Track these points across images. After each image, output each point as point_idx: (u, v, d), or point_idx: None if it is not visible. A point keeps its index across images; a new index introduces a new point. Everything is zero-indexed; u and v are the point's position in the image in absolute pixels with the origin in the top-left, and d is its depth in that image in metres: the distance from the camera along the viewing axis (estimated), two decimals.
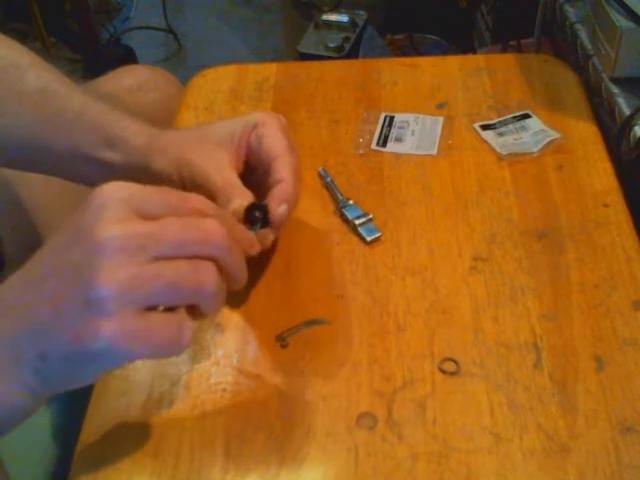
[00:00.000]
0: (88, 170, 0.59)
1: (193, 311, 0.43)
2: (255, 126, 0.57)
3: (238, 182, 0.55)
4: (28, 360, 0.41)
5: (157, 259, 0.40)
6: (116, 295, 0.38)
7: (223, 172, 0.55)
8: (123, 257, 0.39)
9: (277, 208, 0.55)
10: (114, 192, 0.41)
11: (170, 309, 0.42)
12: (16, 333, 0.41)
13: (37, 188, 0.75)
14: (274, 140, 0.57)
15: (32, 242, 0.72)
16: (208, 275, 0.42)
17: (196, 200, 0.44)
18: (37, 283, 0.41)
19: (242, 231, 0.50)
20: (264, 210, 0.54)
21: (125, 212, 0.40)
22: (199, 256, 0.42)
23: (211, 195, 0.53)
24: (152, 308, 0.41)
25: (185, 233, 0.41)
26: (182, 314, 0.42)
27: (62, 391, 0.43)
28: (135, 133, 0.58)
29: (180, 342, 0.41)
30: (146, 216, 0.41)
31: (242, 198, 0.54)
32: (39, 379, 0.41)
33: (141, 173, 0.56)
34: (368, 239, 0.62)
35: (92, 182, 0.59)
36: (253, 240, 0.51)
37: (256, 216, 0.54)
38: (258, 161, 0.57)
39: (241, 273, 0.46)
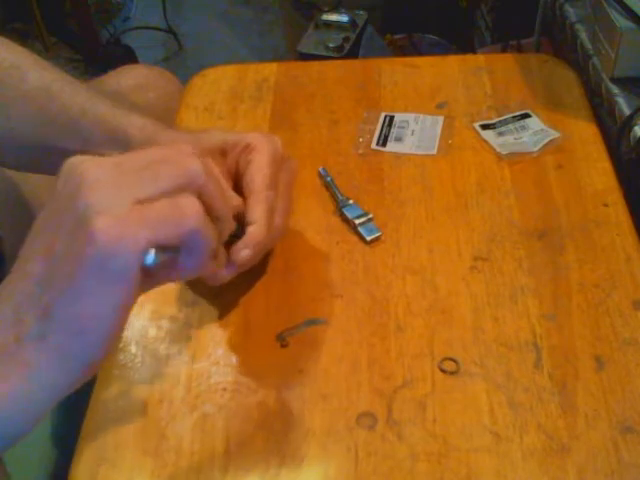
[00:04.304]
0: None
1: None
2: (247, 147, 0.56)
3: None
4: (32, 330, 0.37)
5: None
6: (103, 199, 0.36)
7: None
8: (104, 171, 0.38)
9: (239, 252, 0.53)
10: (94, 162, 0.39)
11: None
12: (14, 302, 0.38)
13: (39, 187, 0.75)
14: (257, 172, 0.55)
15: None
16: (193, 164, 0.40)
17: (180, 147, 0.42)
18: (29, 243, 0.39)
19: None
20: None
21: (106, 160, 0.39)
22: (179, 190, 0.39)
23: None
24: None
25: (162, 168, 0.39)
26: (180, 195, 0.39)
27: (77, 365, 0.38)
28: (140, 128, 0.58)
29: (184, 215, 0.38)
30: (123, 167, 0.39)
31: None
32: (45, 348, 0.37)
33: None
34: (368, 239, 0.62)
35: None
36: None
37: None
38: (241, 186, 0.56)
39: (225, 208, 0.43)
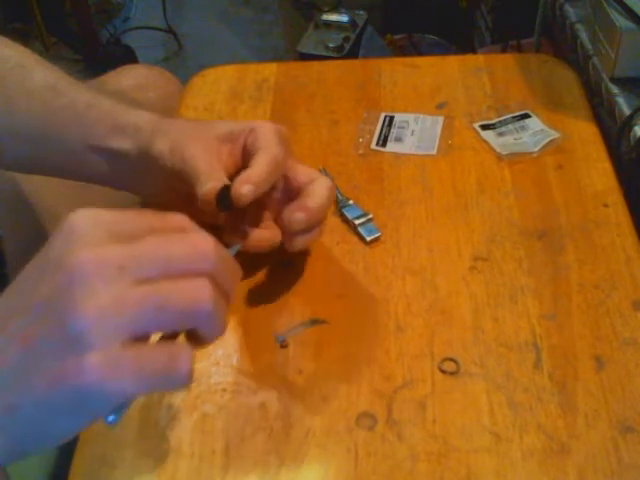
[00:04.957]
0: (98, 161, 0.59)
1: (194, 338, 0.38)
2: (252, 130, 0.57)
3: (221, 171, 0.54)
4: None
5: (140, 282, 0.34)
6: (97, 325, 0.33)
7: (210, 161, 0.54)
8: (100, 282, 0.34)
9: (240, 187, 0.51)
10: (85, 216, 0.36)
11: (168, 338, 0.37)
12: None
13: (40, 187, 0.75)
14: (264, 136, 0.55)
15: (33, 241, 0.72)
16: (202, 292, 0.36)
17: (178, 219, 0.38)
18: (2, 324, 0.35)
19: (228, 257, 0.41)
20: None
21: (99, 235, 0.35)
22: (189, 273, 0.36)
23: (192, 183, 0.53)
24: (143, 339, 0.35)
25: (169, 248, 0.36)
26: (177, 341, 0.37)
27: (29, 455, 0.36)
28: (147, 121, 0.58)
29: (177, 372, 0.36)
30: (122, 238, 0.35)
31: (218, 182, 0.53)
32: (2, 438, 0.35)
33: (147, 160, 0.56)
34: (368, 239, 0.62)
35: (101, 177, 0.60)
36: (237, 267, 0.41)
37: (228, 201, 0.52)
38: (248, 159, 0.56)
39: (235, 288, 0.40)
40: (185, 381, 0.36)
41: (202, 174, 0.53)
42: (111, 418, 0.37)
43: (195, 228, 0.38)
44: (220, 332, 0.38)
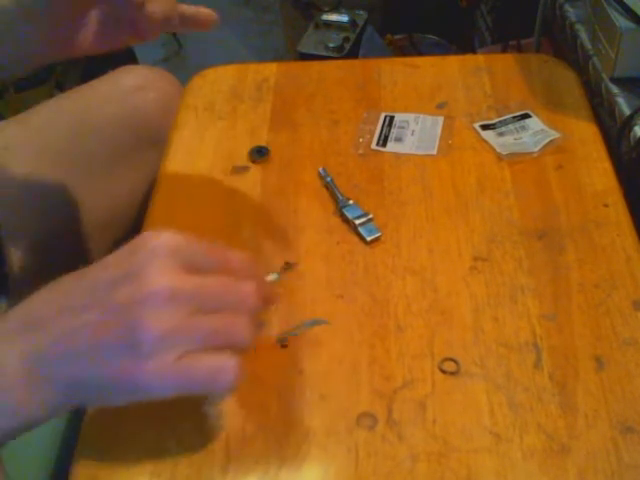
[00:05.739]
0: None
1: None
2: None
3: None
4: (59, 381, 0.42)
5: (200, 312, 0.42)
6: (158, 341, 0.41)
7: None
8: (170, 307, 0.41)
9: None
10: (165, 241, 0.43)
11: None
12: (51, 353, 0.42)
13: (41, 186, 0.75)
14: None
15: (33, 241, 0.72)
16: (243, 328, 0.44)
17: (237, 260, 0.46)
18: (79, 311, 0.42)
19: (269, 289, 0.50)
20: None
21: (174, 264, 0.43)
22: (237, 310, 0.44)
23: None
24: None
25: (226, 293, 0.44)
26: (226, 353, 0.43)
27: (76, 407, 0.45)
28: None
29: (220, 382, 0.43)
30: (191, 269, 0.43)
31: None
32: (66, 399, 0.43)
33: None
34: (368, 239, 0.62)
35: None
36: (276, 295, 0.52)
37: None
38: None
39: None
40: (226, 389, 0.44)
41: None
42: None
43: (250, 269, 0.47)
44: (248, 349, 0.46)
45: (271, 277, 0.55)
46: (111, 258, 0.44)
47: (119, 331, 0.41)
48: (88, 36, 0.59)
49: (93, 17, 0.58)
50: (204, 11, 0.59)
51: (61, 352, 0.42)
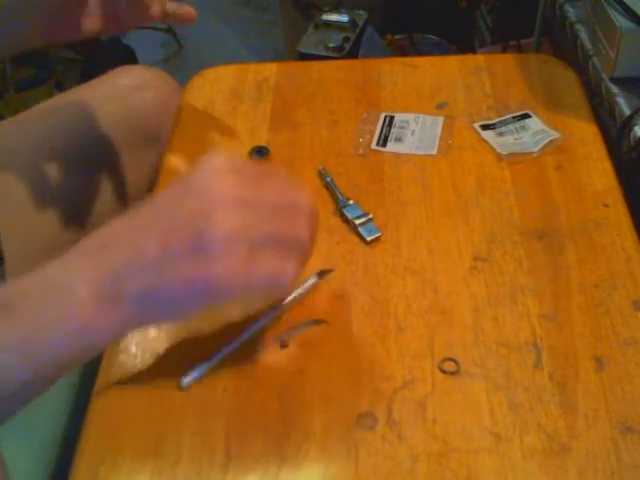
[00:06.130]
0: None
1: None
2: None
3: None
4: (130, 293, 0.44)
5: (259, 216, 0.46)
6: (225, 242, 0.44)
7: None
8: (233, 211, 0.45)
9: None
10: (223, 158, 0.47)
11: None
12: (122, 270, 0.44)
13: (38, 183, 0.75)
14: None
15: (31, 238, 0.72)
16: (301, 231, 0.48)
17: (284, 175, 0.50)
18: (147, 226, 0.46)
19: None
20: None
21: (234, 176, 0.46)
22: (293, 213, 0.48)
23: None
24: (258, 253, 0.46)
25: (285, 199, 0.48)
26: (284, 255, 0.47)
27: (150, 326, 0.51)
28: None
29: (280, 282, 0.47)
30: (250, 181, 0.47)
31: None
32: (137, 312, 0.45)
33: None
34: (368, 239, 0.62)
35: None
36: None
37: None
38: None
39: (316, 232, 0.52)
40: (284, 289, 0.48)
41: None
42: (186, 381, 0.52)
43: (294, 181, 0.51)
44: (306, 259, 0.50)
45: (311, 280, 0.57)
46: (175, 181, 0.47)
47: (187, 238, 0.44)
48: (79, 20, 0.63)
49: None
50: (186, 8, 0.65)
51: (132, 267, 0.44)
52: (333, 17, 1.35)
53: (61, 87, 1.65)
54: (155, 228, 0.45)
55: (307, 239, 0.49)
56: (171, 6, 0.64)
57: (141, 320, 0.47)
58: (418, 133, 0.73)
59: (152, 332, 0.57)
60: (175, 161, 0.72)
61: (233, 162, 0.47)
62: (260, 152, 0.71)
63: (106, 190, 0.79)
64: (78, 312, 0.44)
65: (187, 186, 0.46)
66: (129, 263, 0.44)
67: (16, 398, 0.44)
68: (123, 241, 0.45)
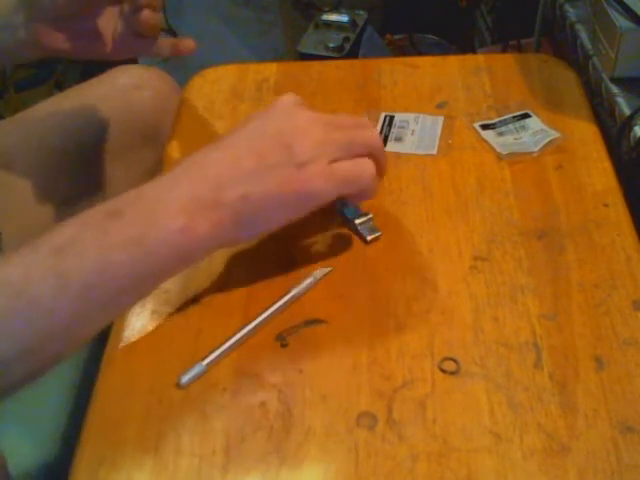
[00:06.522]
0: None
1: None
2: None
3: None
4: (228, 199, 0.50)
5: (335, 131, 0.54)
6: (313, 150, 0.52)
7: None
8: (315, 127, 0.53)
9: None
10: (293, 95, 0.56)
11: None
12: (218, 180, 0.50)
13: (39, 184, 0.76)
14: None
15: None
16: (371, 138, 0.57)
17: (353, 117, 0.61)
18: (241, 143, 0.52)
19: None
20: None
21: (306, 107, 0.56)
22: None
23: None
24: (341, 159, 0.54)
25: (351, 120, 0.58)
26: (363, 159, 0.55)
27: (248, 236, 0.55)
28: None
29: (364, 178, 0.55)
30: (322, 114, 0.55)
31: None
32: (235, 220, 0.50)
33: None
34: (368, 239, 0.62)
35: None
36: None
37: None
38: None
39: (385, 166, 0.59)
40: (370, 184, 0.55)
41: None
42: (185, 379, 0.53)
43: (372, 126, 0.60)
44: (375, 190, 0.58)
45: (310, 280, 0.58)
46: (252, 116, 0.55)
47: (278, 150, 0.51)
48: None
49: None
50: (185, 42, 0.69)
51: (228, 177, 0.50)
52: (333, 17, 1.35)
53: (61, 87, 1.65)
54: (249, 144, 0.52)
55: (379, 143, 0.57)
56: (169, 41, 0.68)
57: (237, 228, 0.51)
58: (418, 133, 0.73)
59: (152, 332, 0.57)
60: (176, 161, 0.72)
61: (301, 99, 0.56)
62: None
63: (105, 189, 0.79)
64: (180, 215, 0.49)
65: (271, 112, 0.54)
66: (226, 174, 0.50)
67: (130, 293, 0.50)
68: (219, 159, 0.51)
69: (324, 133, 0.53)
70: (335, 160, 0.53)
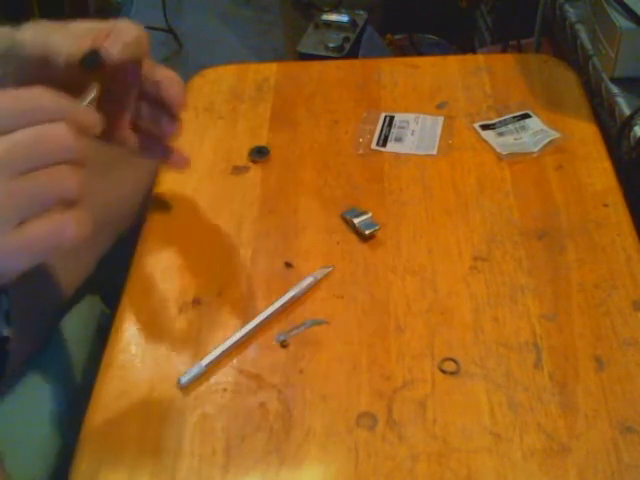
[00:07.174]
0: None
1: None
2: (114, 25, 0.56)
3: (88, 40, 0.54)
4: None
5: (15, 176, 0.40)
6: None
7: (72, 42, 0.54)
8: None
9: (110, 46, 0.52)
10: None
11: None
12: None
13: None
14: (126, 29, 0.55)
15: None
16: (66, 179, 0.42)
17: (45, 100, 0.42)
18: None
19: (84, 112, 0.46)
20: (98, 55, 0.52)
21: None
22: (56, 161, 0.42)
23: (57, 62, 0.53)
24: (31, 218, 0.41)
25: (38, 143, 0.41)
26: (59, 210, 0.42)
27: None
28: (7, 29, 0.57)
29: (65, 237, 0.42)
30: None
31: (85, 46, 0.53)
32: None
33: (8, 55, 0.56)
34: (366, 232, 0.62)
35: None
36: (95, 118, 0.47)
37: (95, 60, 0.52)
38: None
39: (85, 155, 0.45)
40: (74, 240, 0.42)
41: (65, 47, 0.54)
42: (185, 380, 0.52)
43: (55, 99, 0.43)
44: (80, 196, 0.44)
45: (309, 280, 0.57)
46: None
47: None
48: None
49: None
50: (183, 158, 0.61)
51: None
52: (333, 17, 1.35)
53: None
54: None
55: (74, 185, 0.42)
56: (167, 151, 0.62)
57: None
58: (418, 133, 0.73)
59: (152, 332, 0.57)
60: None
61: None
62: (260, 152, 0.71)
63: (105, 189, 0.79)
64: None
65: None
66: None
67: None
68: None
69: (1, 186, 0.39)
70: (24, 220, 0.40)
